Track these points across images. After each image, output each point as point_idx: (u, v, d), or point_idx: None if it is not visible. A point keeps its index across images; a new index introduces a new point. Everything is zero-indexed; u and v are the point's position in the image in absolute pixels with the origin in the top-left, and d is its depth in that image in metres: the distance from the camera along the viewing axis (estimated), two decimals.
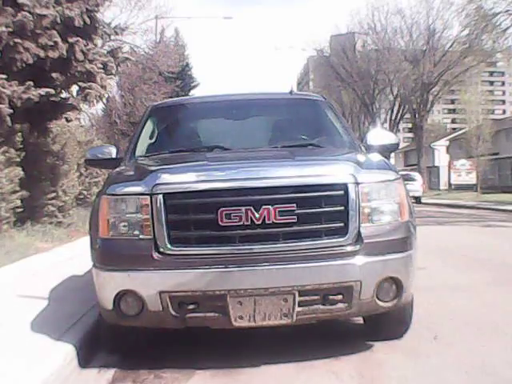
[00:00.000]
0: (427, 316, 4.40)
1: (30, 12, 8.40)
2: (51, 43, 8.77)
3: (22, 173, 9.06)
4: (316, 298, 3.31)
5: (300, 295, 3.27)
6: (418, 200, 29.47)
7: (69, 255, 7.98)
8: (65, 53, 9.03)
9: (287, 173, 3.42)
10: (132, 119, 23.25)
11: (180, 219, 3.31)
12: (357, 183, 3.36)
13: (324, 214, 3.32)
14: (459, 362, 3.50)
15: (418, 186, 31.03)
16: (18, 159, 9.17)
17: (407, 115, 51.13)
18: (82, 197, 13.95)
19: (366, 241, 3.32)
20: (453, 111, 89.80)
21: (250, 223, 3.23)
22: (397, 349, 3.77)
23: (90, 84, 10.05)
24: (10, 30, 8.27)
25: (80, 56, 9.34)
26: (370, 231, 3.36)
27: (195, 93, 33.98)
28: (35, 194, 9.97)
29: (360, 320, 4.15)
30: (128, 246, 3.38)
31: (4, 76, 8.33)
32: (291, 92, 5.29)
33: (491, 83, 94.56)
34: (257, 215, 3.23)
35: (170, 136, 5.10)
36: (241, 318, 3.28)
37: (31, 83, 8.69)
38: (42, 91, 8.90)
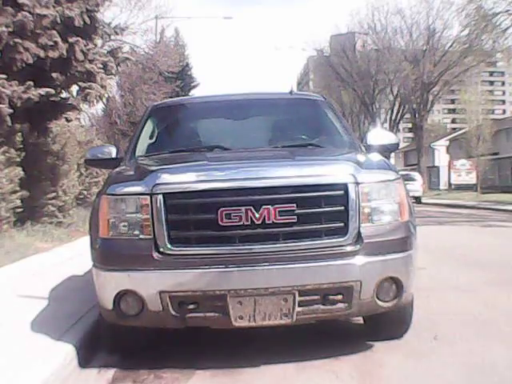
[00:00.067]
0: (427, 316, 4.40)
1: (30, 12, 8.40)
2: (51, 43, 8.77)
3: (22, 173, 9.06)
4: (316, 297, 3.31)
5: (300, 295, 3.27)
6: (418, 200, 29.47)
7: (69, 255, 7.98)
8: (65, 53, 9.03)
9: (287, 173, 3.42)
10: (132, 119, 23.24)
11: (180, 219, 3.31)
12: (357, 183, 3.36)
13: (324, 213, 3.32)
14: (459, 361, 3.50)
15: (418, 185, 31.05)
16: (18, 159, 9.17)
17: (407, 115, 51.15)
18: (82, 197, 13.95)
19: (366, 241, 3.32)
20: (453, 111, 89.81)
21: (250, 223, 3.23)
22: (397, 349, 3.77)
23: (89, 84, 10.06)
24: (10, 29, 8.26)
25: (80, 56, 9.34)
26: (370, 231, 3.36)
27: (195, 93, 34.00)
28: (35, 194, 9.97)
29: (360, 320, 4.15)
30: (128, 245, 3.38)
31: (4, 76, 8.32)
32: (291, 92, 5.29)
33: (491, 83, 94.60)
34: (257, 215, 3.23)
35: (170, 136, 5.09)
36: (241, 317, 3.28)
37: (31, 83, 8.70)
38: (42, 91, 8.90)
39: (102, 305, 3.53)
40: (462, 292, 5.51)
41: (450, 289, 5.70)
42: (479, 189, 35.14)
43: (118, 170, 4.07)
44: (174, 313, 3.31)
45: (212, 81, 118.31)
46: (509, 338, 3.96)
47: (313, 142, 4.48)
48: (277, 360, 3.55)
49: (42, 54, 8.68)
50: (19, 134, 9.50)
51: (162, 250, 3.29)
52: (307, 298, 3.30)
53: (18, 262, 7.34)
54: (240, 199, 3.27)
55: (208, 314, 3.31)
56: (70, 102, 10.41)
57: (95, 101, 10.58)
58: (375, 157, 3.95)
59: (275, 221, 3.24)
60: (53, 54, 8.86)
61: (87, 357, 3.70)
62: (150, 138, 4.90)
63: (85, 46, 9.48)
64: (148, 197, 3.33)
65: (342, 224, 3.33)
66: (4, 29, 8.16)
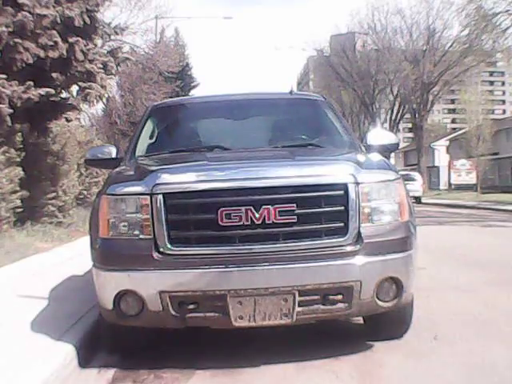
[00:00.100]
0: (427, 316, 4.40)
1: (30, 12, 8.40)
2: (51, 43, 8.77)
3: (22, 173, 9.06)
4: (316, 297, 3.31)
5: (300, 295, 3.27)
6: (418, 200, 29.48)
7: (69, 255, 7.98)
8: (65, 53, 9.03)
9: (287, 173, 3.42)
10: (132, 119, 23.24)
11: (180, 219, 3.31)
12: (357, 183, 3.36)
13: (324, 213, 3.32)
14: (459, 361, 3.50)
15: (418, 185, 31.05)
16: (18, 159, 9.17)
17: (407, 115, 51.15)
18: (82, 197, 13.95)
19: (366, 241, 3.32)
20: (453, 111, 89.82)
21: (250, 223, 3.23)
22: (397, 349, 3.76)
23: (90, 84, 10.06)
24: (10, 29, 8.26)
25: (80, 56, 9.34)
26: (370, 231, 3.36)
27: (195, 93, 33.98)
28: (35, 194, 9.97)
29: (360, 320, 4.15)
30: (128, 245, 3.38)
31: (4, 76, 8.32)
32: (291, 92, 5.29)
33: (491, 83, 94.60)
34: (257, 215, 3.23)
35: (170, 136, 5.09)
36: (241, 317, 3.28)
37: (31, 83, 8.70)
38: (42, 91, 8.90)
39: (101, 305, 3.53)
40: (462, 292, 5.51)
41: (450, 289, 5.70)
42: (479, 189, 35.14)
43: (118, 170, 4.07)
44: (174, 313, 3.31)
45: (212, 81, 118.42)
46: (509, 337, 3.96)
47: (313, 142, 4.48)
48: (277, 360, 3.55)
49: (41, 54, 8.68)
50: (19, 134, 9.50)
51: (161, 250, 3.29)
52: (307, 298, 3.30)
53: (17, 262, 7.33)
54: (240, 199, 3.27)
55: (208, 314, 3.31)
56: (70, 102, 10.41)
57: (95, 101, 10.58)
58: (375, 157, 3.95)
59: (275, 221, 3.24)
60: (53, 54, 8.86)
61: (87, 357, 3.70)
62: (150, 138, 4.90)
63: (85, 46, 9.48)
64: (148, 197, 3.33)
65: (342, 224, 3.33)
66: (4, 29, 8.16)
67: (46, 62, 8.94)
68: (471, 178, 38.15)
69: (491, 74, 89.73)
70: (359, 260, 3.30)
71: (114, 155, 4.53)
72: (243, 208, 3.23)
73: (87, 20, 9.36)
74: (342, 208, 3.32)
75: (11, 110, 8.38)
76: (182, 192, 3.33)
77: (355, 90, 50.90)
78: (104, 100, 16.64)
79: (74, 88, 10.61)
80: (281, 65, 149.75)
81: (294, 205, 3.27)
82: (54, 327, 3.95)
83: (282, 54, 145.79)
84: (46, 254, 8.38)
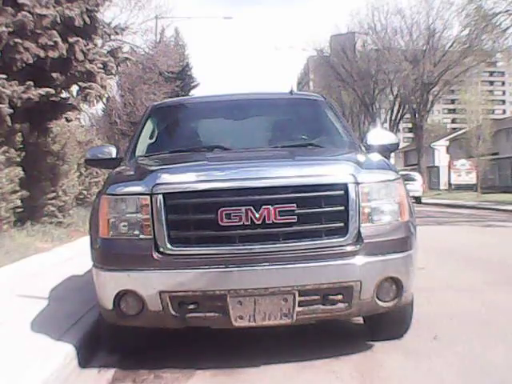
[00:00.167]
0: (427, 316, 4.40)
1: (30, 12, 8.39)
2: (51, 43, 8.76)
3: (22, 173, 9.05)
4: (316, 297, 3.31)
5: (300, 295, 3.27)
6: (418, 200, 29.47)
7: (69, 255, 7.98)
8: (65, 53, 9.03)
9: (287, 173, 3.42)
10: (132, 119, 23.22)
11: (180, 219, 3.31)
12: (357, 183, 3.36)
13: (324, 213, 3.32)
14: (459, 361, 3.50)
15: (418, 185, 31.05)
16: (18, 159, 9.17)
17: (407, 115, 51.18)
18: (82, 197, 13.96)
19: (366, 241, 3.32)
20: (453, 111, 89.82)
21: (250, 223, 3.23)
22: (397, 349, 3.76)
23: (90, 84, 10.05)
24: (10, 29, 8.26)
25: (80, 56, 9.34)
26: (370, 231, 3.36)
27: (195, 93, 33.95)
28: (35, 194, 9.97)
29: (360, 320, 4.15)
30: (128, 245, 3.38)
31: (4, 76, 8.32)
32: (291, 92, 5.29)
33: (491, 83, 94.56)
34: (257, 215, 3.23)
35: (170, 136, 5.10)
36: (241, 317, 3.28)
37: (31, 83, 8.69)
38: (42, 91, 8.89)
39: (101, 305, 3.53)
40: (462, 292, 5.51)
41: (450, 289, 5.70)
42: (479, 189, 35.14)
43: (117, 169, 4.07)
44: (174, 313, 3.31)
45: (212, 81, 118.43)
46: (509, 338, 3.97)
47: (313, 142, 4.48)
48: (277, 360, 3.55)
49: (41, 53, 8.67)
50: (19, 134, 9.49)
51: (162, 250, 3.29)
52: (307, 297, 3.30)
53: (18, 262, 7.33)
54: (240, 199, 3.27)
55: (208, 314, 3.31)
56: (70, 102, 10.40)
57: (95, 101, 10.57)
58: (375, 157, 3.95)
59: (275, 221, 3.24)
60: (53, 54, 8.86)
61: (87, 357, 3.70)
62: (150, 138, 4.90)
63: (85, 46, 9.47)
64: (148, 197, 3.33)
65: (342, 224, 3.33)
66: (4, 29, 8.16)
67: (46, 61, 8.94)
68: (471, 178, 38.16)
69: (491, 74, 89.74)
70: (359, 260, 3.30)
71: (114, 155, 4.53)
72: (243, 208, 3.23)
73: (87, 20, 9.35)
74: (342, 208, 3.32)
75: (11, 110, 8.38)
76: (182, 192, 3.33)
77: (355, 90, 50.93)
78: (104, 100, 16.64)
79: (74, 88, 10.59)
80: (281, 65, 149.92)
81: (294, 205, 3.27)
82: (53, 327, 3.95)
83: (282, 54, 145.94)
84: (46, 253, 8.38)
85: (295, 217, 3.27)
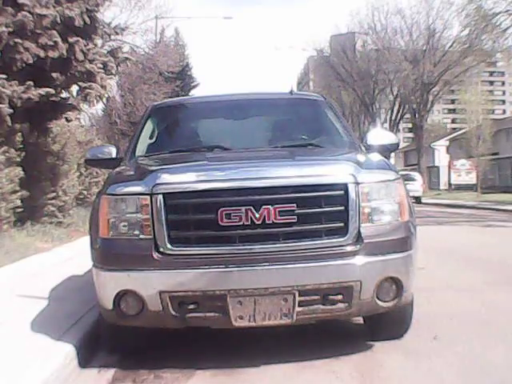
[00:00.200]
0: (427, 316, 4.40)
1: (30, 12, 8.39)
2: (51, 43, 8.76)
3: (22, 173, 9.05)
4: (316, 297, 3.31)
5: (300, 295, 3.27)
6: (418, 200, 29.47)
7: (69, 255, 7.98)
8: (65, 53, 9.03)
9: (287, 173, 3.42)
10: (132, 119, 23.22)
11: (180, 219, 3.31)
12: (357, 183, 3.36)
13: (324, 213, 3.32)
14: (459, 361, 3.50)
15: (418, 185, 31.05)
16: (18, 159, 9.17)
17: (407, 115, 51.16)
18: (82, 197, 13.95)
19: (366, 241, 3.32)
20: (453, 111, 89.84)
21: (250, 223, 3.23)
22: (397, 349, 3.76)
23: (90, 84, 10.05)
24: (10, 29, 8.26)
25: (80, 56, 9.34)
26: (370, 231, 3.36)
27: (195, 93, 33.95)
28: (35, 194, 9.97)
29: (360, 320, 4.15)
30: (128, 245, 3.38)
31: (4, 76, 8.32)
32: (291, 92, 5.29)
33: (491, 83, 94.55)
34: (257, 215, 3.23)
35: (170, 136, 5.10)
36: (241, 317, 3.28)
37: (31, 83, 8.69)
38: (42, 91, 8.89)
39: (101, 305, 3.53)
40: (462, 292, 5.51)
41: (450, 289, 5.70)
42: (479, 189, 35.14)
43: (118, 169, 4.07)
44: (174, 313, 3.31)
45: (212, 81, 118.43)
46: (509, 338, 3.97)
47: (313, 142, 4.48)
48: (277, 360, 3.55)
49: (41, 54, 8.67)
50: (19, 134, 9.49)
51: (162, 250, 3.29)
52: (307, 298, 3.30)
53: (18, 262, 7.33)
54: (240, 199, 3.27)
55: (208, 314, 3.31)
56: (70, 102, 10.40)
57: (95, 101, 10.57)
58: (375, 157, 3.95)
59: (275, 221, 3.24)
60: (53, 54, 8.86)
61: (87, 357, 3.70)
62: (150, 138, 4.90)
63: (85, 46, 9.47)
64: (148, 197, 3.33)
65: (342, 224, 3.33)
66: (4, 29, 8.16)
67: (46, 61, 8.93)
68: (471, 178, 38.15)
69: (491, 74, 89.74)
70: (359, 260, 3.30)
71: (114, 155, 4.54)
72: (243, 208, 3.23)
73: (87, 20, 9.35)
74: (342, 208, 3.32)
75: (11, 110, 8.38)
76: (182, 192, 3.33)
77: (355, 89, 50.93)
78: (104, 100, 16.66)
79: (74, 88, 10.59)
80: (281, 65, 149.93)
81: (294, 205, 3.27)
82: (53, 327, 3.95)
83: (282, 54, 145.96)
84: (46, 253, 8.38)
85: (295, 217, 3.27)
